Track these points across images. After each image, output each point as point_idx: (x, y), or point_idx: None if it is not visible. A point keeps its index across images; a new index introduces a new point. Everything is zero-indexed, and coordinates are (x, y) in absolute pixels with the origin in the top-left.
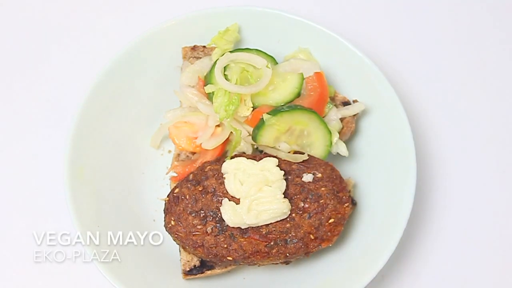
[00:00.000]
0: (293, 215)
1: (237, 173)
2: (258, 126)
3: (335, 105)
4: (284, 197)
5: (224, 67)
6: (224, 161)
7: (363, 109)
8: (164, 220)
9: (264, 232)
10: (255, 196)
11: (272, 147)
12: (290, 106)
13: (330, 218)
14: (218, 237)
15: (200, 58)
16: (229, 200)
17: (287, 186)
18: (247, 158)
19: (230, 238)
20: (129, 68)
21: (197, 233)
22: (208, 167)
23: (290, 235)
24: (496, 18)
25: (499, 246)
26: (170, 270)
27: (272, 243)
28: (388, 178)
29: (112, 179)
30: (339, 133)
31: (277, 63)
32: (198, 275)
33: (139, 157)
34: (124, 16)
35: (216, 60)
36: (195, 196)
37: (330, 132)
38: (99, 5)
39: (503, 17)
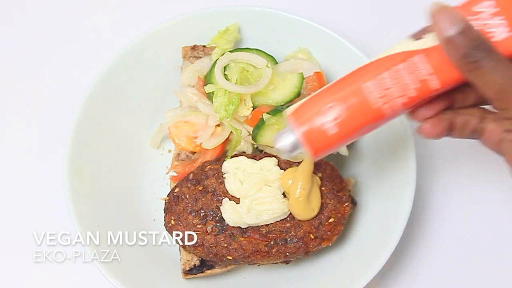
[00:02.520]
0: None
1: (237, 173)
2: (258, 125)
3: None
4: (284, 196)
5: (224, 67)
6: (224, 161)
7: None
8: (164, 220)
9: (264, 232)
10: (255, 196)
11: (272, 147)
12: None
13: (330, 218)
14: (218, 236)
15: (200, 57)
16: (229, 200)
17: None
18: (247, 158)
19: (230, 237)
20: (129, 68)
21: (197, 232)
22: (208, 166)
23: (290, 234)
24: None
25: (500, 245)
26: (170, 270)
27: (272, 243)
28: (388, 177)
29: (112, 179)
30: None
31: (277, 63)
32: (198, 275)
33: (139, 157)
34: (124, 16)
35: (216, 60)
36: (195, 196)
37: None
38: (99, 5)
39: None
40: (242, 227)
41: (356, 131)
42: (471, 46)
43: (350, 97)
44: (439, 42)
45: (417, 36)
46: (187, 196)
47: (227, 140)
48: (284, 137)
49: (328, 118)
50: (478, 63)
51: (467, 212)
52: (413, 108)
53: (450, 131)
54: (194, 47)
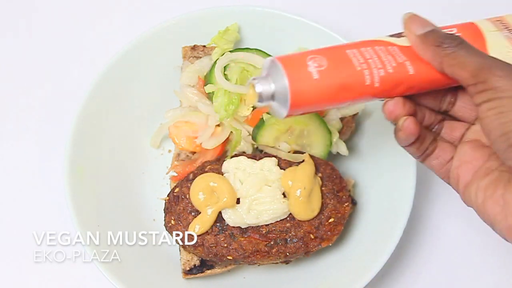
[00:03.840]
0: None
1: (237, 173)
2: (258, 125)
3: None
4: (284, 196)
5: (224, 67)
6: (224, 161)
7: (363, 109)
8: (164, 220)
9: (264, 232)
10: (255, 196)
11: (272, 147)
12: None
13: (330, 218)
14: (218, 236)
15: (200, 57)
16: None
17: None
18: (247, 158)
19: (230, 237)
20: (129, 68)
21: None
22: (208, 166)
23: (290, 234)
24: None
25: (500, 246)
26: (170, 270)
27: (272, 243)
28: (388, 177)
29: (112, 179)
30: (339, 132)
31: None
32: (198, 275)
33: (139, 157)
34: (124, 16)
35: (216, 60)
36: None
37: (330, 132)
38: (99, 5)
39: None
40: (242, 227)
41: (335, 86)
42: (445, 35)
43: (335, 54)
44: (411, 44)
45: (395, 36)
46: (187, 196)
47: (227, 140)
48: (265, 82)
49: (312, 66)
50: (452, 49)
51: (468, 211)
52: (389, 95)
53: (415, 127)
54: (194, 47)
